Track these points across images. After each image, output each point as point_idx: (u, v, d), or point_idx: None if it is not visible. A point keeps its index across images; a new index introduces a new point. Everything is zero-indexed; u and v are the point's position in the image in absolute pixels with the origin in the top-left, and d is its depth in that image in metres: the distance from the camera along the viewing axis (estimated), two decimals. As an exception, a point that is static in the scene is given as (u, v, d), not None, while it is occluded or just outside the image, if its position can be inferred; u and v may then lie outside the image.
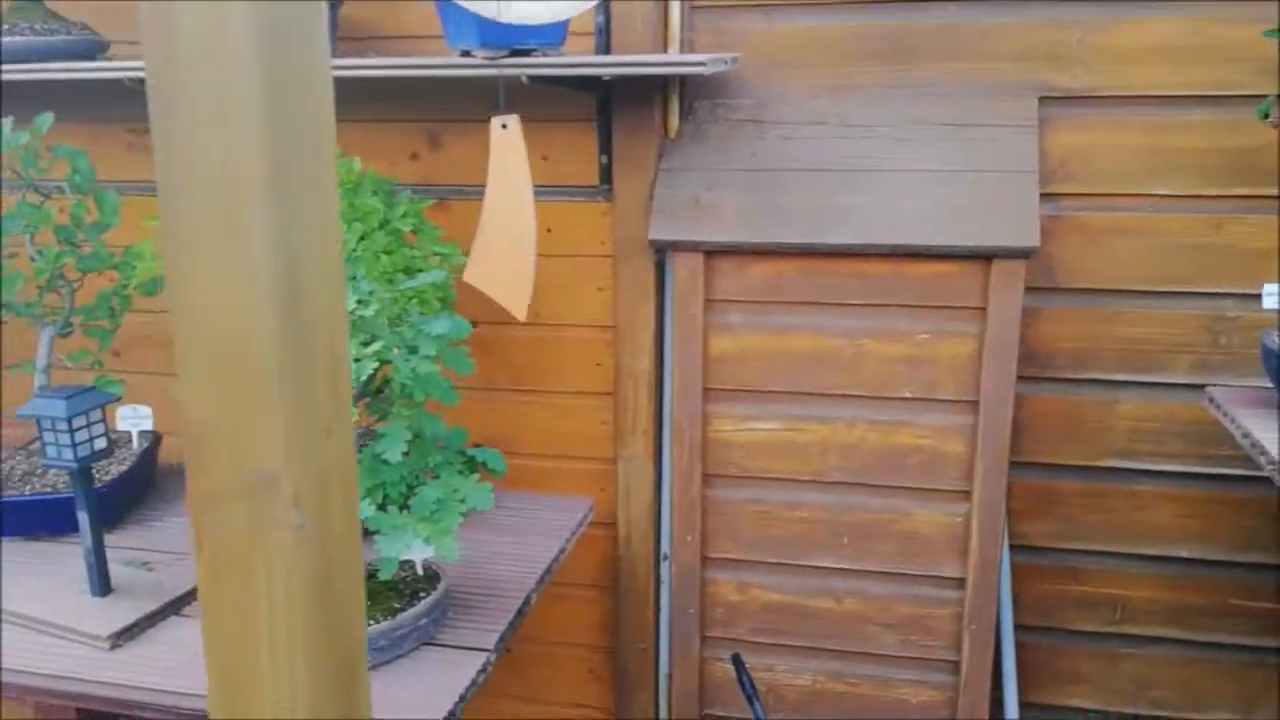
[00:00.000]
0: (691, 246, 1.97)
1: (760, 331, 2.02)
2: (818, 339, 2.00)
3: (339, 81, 0.74)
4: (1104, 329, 2.04)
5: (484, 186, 2.18)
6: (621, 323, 2.13)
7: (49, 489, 1.97)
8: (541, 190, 2.11)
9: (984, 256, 1.88)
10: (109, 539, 1.95)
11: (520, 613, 1.73)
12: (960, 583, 2.06)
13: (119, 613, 1.65)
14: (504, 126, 1.57)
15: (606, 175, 2.12)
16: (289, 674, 0.74)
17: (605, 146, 2.10)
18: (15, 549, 1.94)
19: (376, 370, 1.41)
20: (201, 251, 0.69)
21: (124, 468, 2.05)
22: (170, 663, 1.58)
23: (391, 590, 1.61)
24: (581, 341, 2.22)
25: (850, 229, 1.91)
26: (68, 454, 1.62)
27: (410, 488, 1.51)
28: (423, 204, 1.99)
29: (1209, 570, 2.12)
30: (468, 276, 1.56)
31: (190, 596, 1.74)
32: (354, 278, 1.49)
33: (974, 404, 1.97)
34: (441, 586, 1.63)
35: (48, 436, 1.63)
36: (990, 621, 2.05)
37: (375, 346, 1.41)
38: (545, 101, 2.05)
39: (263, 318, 0.69)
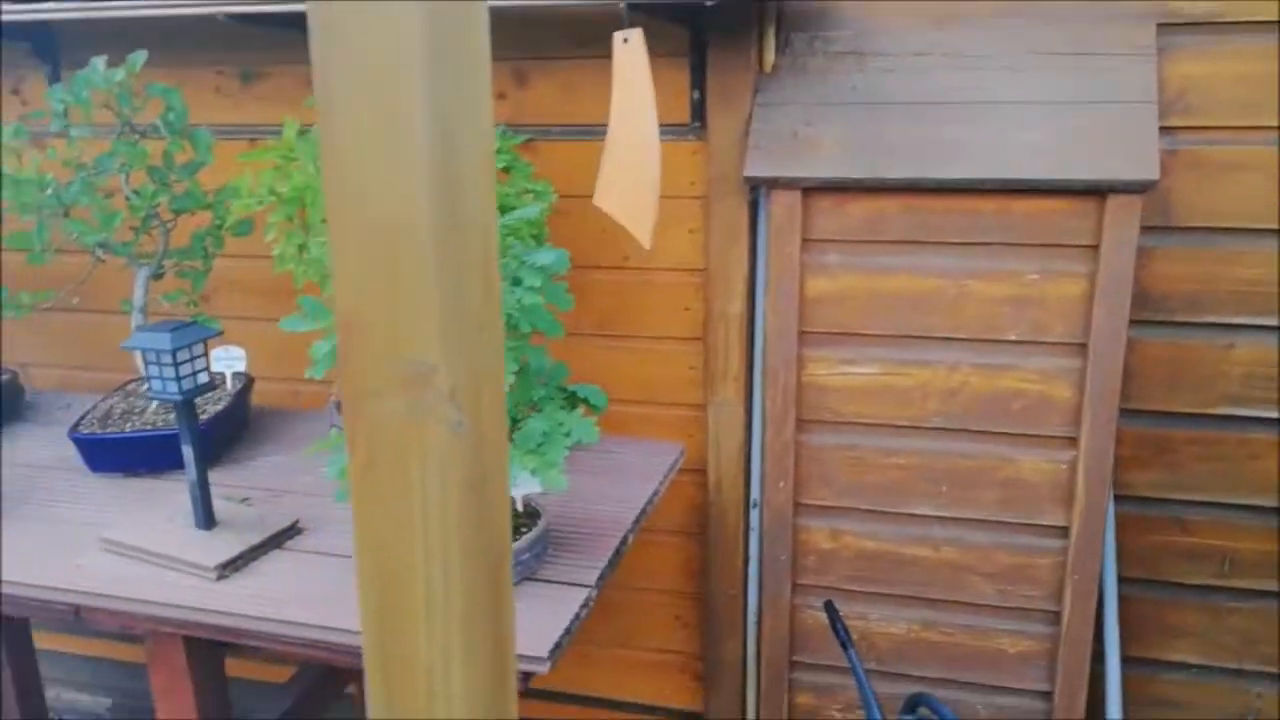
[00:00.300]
0: (789, 183, 1.92)
1: (859, 272, 1.97)
2: (919, 280, 1.94)
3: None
4: (1220, 270, 1.95)
5: (571, 126, 2.16)
6: (713, 265, 2.09)
7: (149, 426, 2.00)
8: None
9: (1099, 191, 1.80)
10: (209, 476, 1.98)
11: (619, 551, 1.71)
12: (1063, 532, 2.00)
13: (224, 545, 1.67)
14: (625, 41, 1.52)
15: (699, 112, 2.07)
16: (442, 572, 0.72)
17: (698, 82, 2.05)
18: (118, 485, 1.97)
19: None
20: (359, 138, 0.66)
21: (219, 407, 2.06)
22: (275, 593, 1.59)
23: (493, 525, 1.59)
24: (671, 285, 2.18)
25: (957, 164, 1.84)
26: (172, 387, 1.63)
27: (514, 421, 1.49)
28: (514, 140, 1.96)
29: (1326, 523, 2.04)
30: (597, 201, 1.53)
31: (290, 531, 1.75)
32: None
33: (1083, 347, 1.90)
34: (542, 522, 1.62)
35: (152, 370, 1.64)
36: (1094, 572, 1.99)
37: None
38: (637, 37, 2.00)
39: (421, 205, 0.66)
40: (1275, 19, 1.82)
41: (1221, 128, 1.88)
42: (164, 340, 1.60)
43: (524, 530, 1.60)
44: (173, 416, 2.03)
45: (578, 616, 1.53)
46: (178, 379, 1.63)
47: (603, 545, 1.71)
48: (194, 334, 1.63)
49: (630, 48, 1.52)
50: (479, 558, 0.73)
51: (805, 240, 1.96)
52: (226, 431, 2.10)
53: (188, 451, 1.69)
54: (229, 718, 1.83)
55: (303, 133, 1.82)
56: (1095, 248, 1.84)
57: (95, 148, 1.96)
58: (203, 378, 1.67)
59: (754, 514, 2.21)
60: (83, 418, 2.04)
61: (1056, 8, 1.91)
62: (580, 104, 2.13)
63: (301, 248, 1.76)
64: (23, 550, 1.72)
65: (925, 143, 1.87)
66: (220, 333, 1.67)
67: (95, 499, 1.92)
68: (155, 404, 2.06)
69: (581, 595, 1.58)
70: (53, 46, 2.38)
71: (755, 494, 2.20)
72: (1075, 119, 1.83)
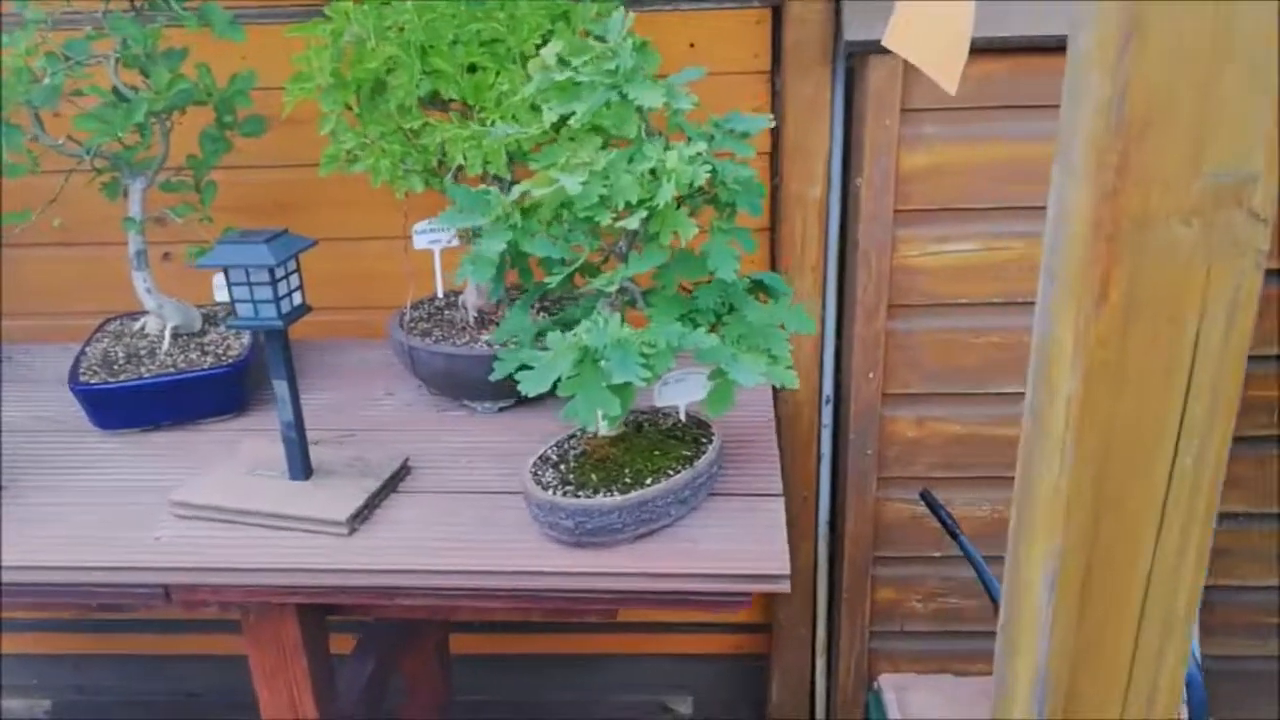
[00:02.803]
0: (894, 47, 1.77)
1: (957, 143, 1.86)
2: (1021, 146, 1.85)
3: None
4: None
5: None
6: (789, 145, 1.92)
7: (169, 369, 1.66)
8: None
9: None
10: (240, 423, 1.69)
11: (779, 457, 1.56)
12: (1150, 397, 2.00)
13: (339, 495, 1.40)
14: None
15: (766, -25, 1.88)
16: (1193, 463, 0.56)
17: (765, -58, 1.86)
18: (137, 442, 1.64)
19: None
20: None
21: (242, 341, 1.74)
22: (420, 541, 1.36)
23: (673, 439, 1.41)
24: (728, 172, 2.00)
25: (1055, 18, 1.74)
26: (269, 310, 1.34)
27: (717, 315, 1.29)
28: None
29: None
30: (888, 40, 1.30)
31: (403, 472, 1.50)
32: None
33: (1180, 208, 1.87)
34: (718, 434, 1.44)
35: (240, 292, 1.33)
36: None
37: (700, 147, 1.17)
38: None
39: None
40: None
41: None
42: (261, 254, 1.30)
43: (703, 442, 1.42)
44: (194, 355, 1.70)
45: (784, 526, 1.38)
46: (275, 300, 1.33)
47: (759, 451, 1.56)
48: (291, 245, 1.34)
49: None
50: (1222, 446, 0.57)
51: (904, 111, 1.83)
52: (259, 371, 1.78)
53: (281, 388, 1.40)
54: (333, 692, 1.57)
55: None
56: (1200, 104, 1.80)
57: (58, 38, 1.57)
58: (298, 298, 1.38)
59: (826, 410, 2.10)
60: (77, 367, 1.67)
61: None
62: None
63: (387, 134, 1.47)
64: (66, 531, 1.39)
65: (1031, 1, 1.76)
66: (315, 242, 1.37)
67: (120, 461, 1.59)
68: (166, 345, 1.71)
69: (777, 505, 1.42)
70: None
71: (828, 390, 2.09)
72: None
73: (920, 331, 1.99)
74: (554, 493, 1.30)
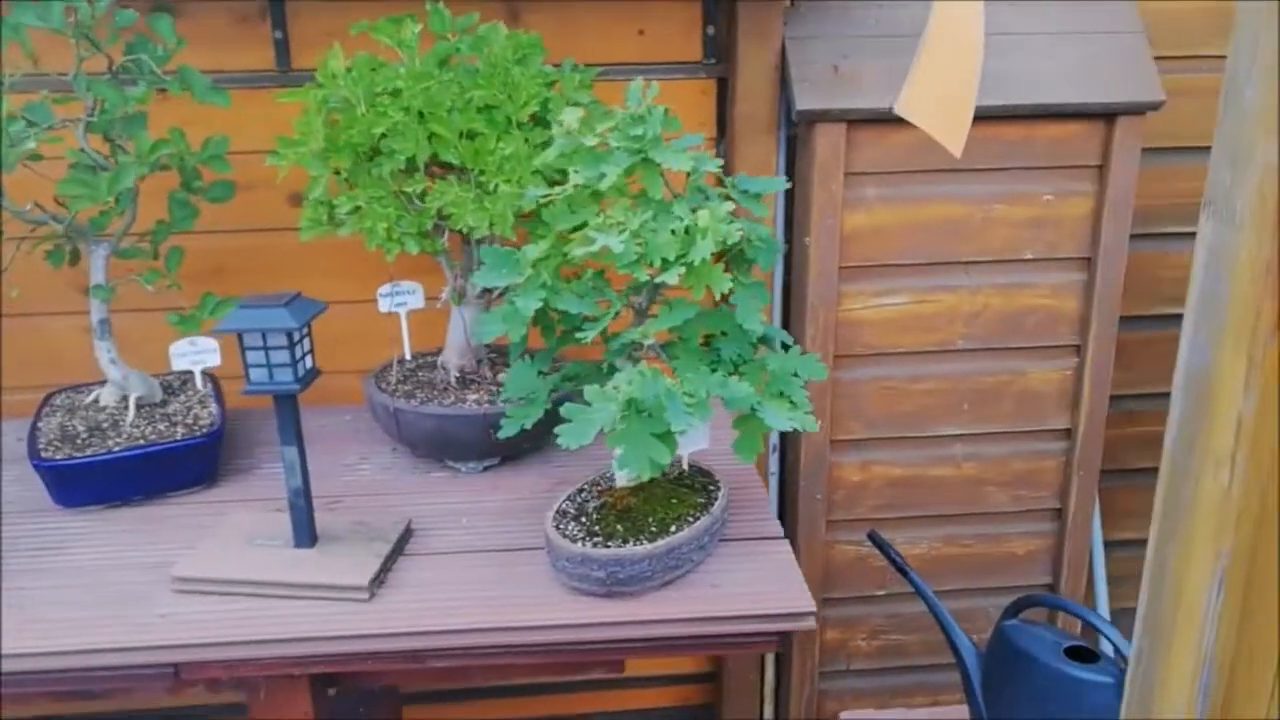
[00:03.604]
0: (839, 116, 1.91)
1: (894, 204, 2.00)
2: (950, 207, 2.01)
3: None
4: (1177, 185, 2.19)
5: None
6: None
7: (140, 442, 1.59)
8: (634, 68, 1.95)
9: (1111, 114, 1.96)
10: (214, 494, 1.64)
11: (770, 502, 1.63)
12: (1067, 434, 2.18)
13: (352, 561, 1.38)
14: None
15: (712, 49, 1.99)
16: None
17: (712, 17, 1.97)
18: (105, 518, 1.57)
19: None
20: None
21: (209, 410, 1.69)
22: (444, 602, 1.35)
23: (684, 487, 1.46)
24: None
25: (993, 92, 1.92)
26: (286, 375, 1.32)
27: (734, 365, 1.36)
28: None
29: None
30: (899, 107, 1.41)
31: (407, 536, 1.49)
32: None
33: (1088, 261, 2.07)
34: (722, 479, 1.50)
35: (255, 356, 1.32)
36: (1096, 467, 2.19)
37: (728, 206, 1.25)
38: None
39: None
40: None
41: (1175, 57, 2.12)
42: (282, 318, 1.29)
43: (712, 489, 1.47)
44: (162, 427, 1.64)
45: (799, 567, 1.44)
46: (293, 364, 1.32)
47: (749, 496, 1.62)
48: (307, 309, 1.33)
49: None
50: None
51: (847, 174, 1.96)
52: (231, 441, 1.73)
53: (291, 454, 1.38)
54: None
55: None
56: (1102, 168, 2.01)
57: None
58: (310, 361, 1.37)
59: (773, 458, 2.19)
60: (34, 443, 1.58)
61: (1039, -53, 2.04)
62: (581, 41, 1.97)
63: (380, 198, 1.48)
64: (65, 614, 1.32)
65: (958, 73, 1.93)
66: (326, 307, 1.37)
67: (96, 539, 1.51)
68: (131, 416, 1.64)
69: (783, 547, 1.49)
70: None
71: (774, 438, 2.18)
72: (1082, 48, 1.98)
73: (863, 380, 2.11)
74: (582, 544, 1.33)
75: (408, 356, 1.81)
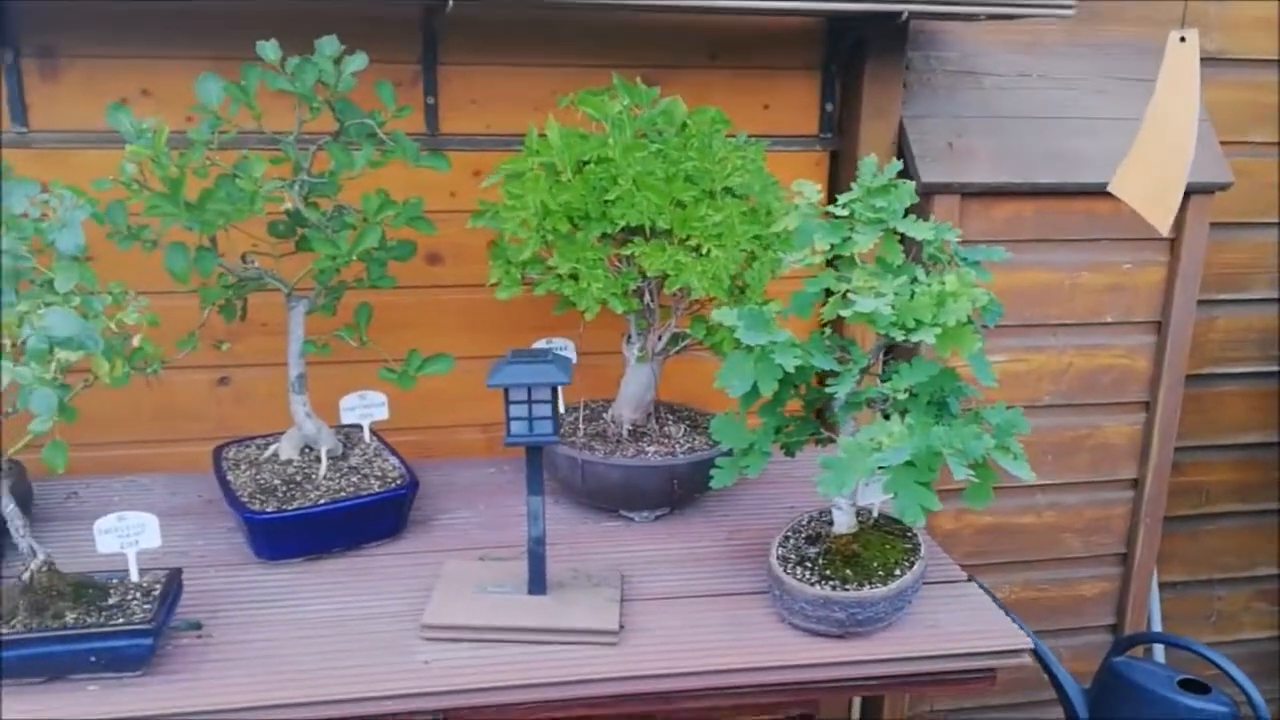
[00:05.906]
0: (958, 189, 2.07)
1: (996, 270, 2.15)
2: (1042, 274, 2.19)
3: None
4: (1220, 256, 2.41)
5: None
6: (850, 270, 2.16)
7: (340, 496, 1.62)
8: (760, 139, 2.09)
9: (1188, 192, 2.17)
10: (404, 545, 1.68)
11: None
12: (1134, 484, 2.36)
13: (591, 606, 1.44)
14: (1182, 40, 1.59)
15: (828, 124, 2.14)
16: None
17: (830, 95, 2.12)
18: (313, 570, 1.58)
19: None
20: None
21: (390, 463, 1.72)
22: (683, 644, 1.42)
23: (888, 534, 1.56)
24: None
25: (1084, 170, 2.11)
26: (545, 427, 1.38)
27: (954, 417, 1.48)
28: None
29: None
30: (1113, 187, 1.58)
31: (620, 580, 1.55)
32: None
33: (1158, 324, 2.26)
34: (919, 529, 1.61)
35: (518, 410, 1.38)
36: (1160, 514, 2.37)
37: (971, 274, 1.38)
38: (768, 50, 2.06)
39: None
40: (1272, 57, 2.32)
41: (1226, 142, 2.35)
42: (551, 373, 1.35)
43: (910, 534, 1.58)
44: (355, 480, 1.66)
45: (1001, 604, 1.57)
46: (552, 416, 1.38)
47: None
48: (566, 365, 1.40)
49: (1185, 47, 1.59)
50: None
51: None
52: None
53: (535, 503, 1.43)
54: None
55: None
56: (1175, 240, 2.21)
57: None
58: (555, 411, 1.43)
59: (868, 509, 2.31)
60: (233, 497, 1.59)
61: (1108, 38, 2.25)
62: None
63: (592, 260, 1.56)
64: (311, 665, 1.34)
65: (1055, 153, 2.12)
66: (574, 361, 1.44)
67: (310, 591, 1.53)
68: (324, 470, 1.66)
69: (973, 589, 1.60)
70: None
71: (870, 489, 2.30)
72: (1158, 133, 2.19)
73: (958, 433, 2.25)
74: (820, 587, 1.42)
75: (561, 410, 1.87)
